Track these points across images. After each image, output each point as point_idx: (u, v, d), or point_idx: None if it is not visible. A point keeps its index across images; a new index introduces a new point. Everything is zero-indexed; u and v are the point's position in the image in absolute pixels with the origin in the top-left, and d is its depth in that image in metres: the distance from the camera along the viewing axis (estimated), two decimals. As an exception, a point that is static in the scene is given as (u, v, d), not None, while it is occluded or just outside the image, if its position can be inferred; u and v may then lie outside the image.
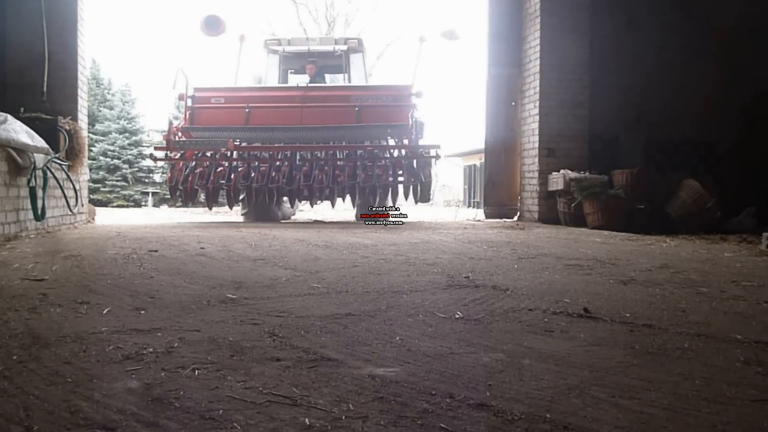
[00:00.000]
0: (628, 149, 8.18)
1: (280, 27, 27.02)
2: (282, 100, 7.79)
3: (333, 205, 8.09)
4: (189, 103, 7.51)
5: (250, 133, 7.44)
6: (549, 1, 7.85)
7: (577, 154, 7.93)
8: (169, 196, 23.42)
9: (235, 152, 7.35)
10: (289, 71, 10.07)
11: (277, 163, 7.41)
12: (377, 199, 7.42)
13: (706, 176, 8.01)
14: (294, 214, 10.22)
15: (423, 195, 7.47)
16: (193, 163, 7.35)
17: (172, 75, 7.61)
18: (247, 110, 7.38)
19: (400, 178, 7.43)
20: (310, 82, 8.45)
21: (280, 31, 25.27)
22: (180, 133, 7.24)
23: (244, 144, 7.61)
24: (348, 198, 8.26)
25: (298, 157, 7.48)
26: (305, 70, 9.53)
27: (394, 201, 7.55)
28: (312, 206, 8.19)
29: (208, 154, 7.42)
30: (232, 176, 7.23)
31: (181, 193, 7.28)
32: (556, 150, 7.91)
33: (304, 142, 7.66)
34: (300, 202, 8.06)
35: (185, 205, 7.70)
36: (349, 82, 9.32)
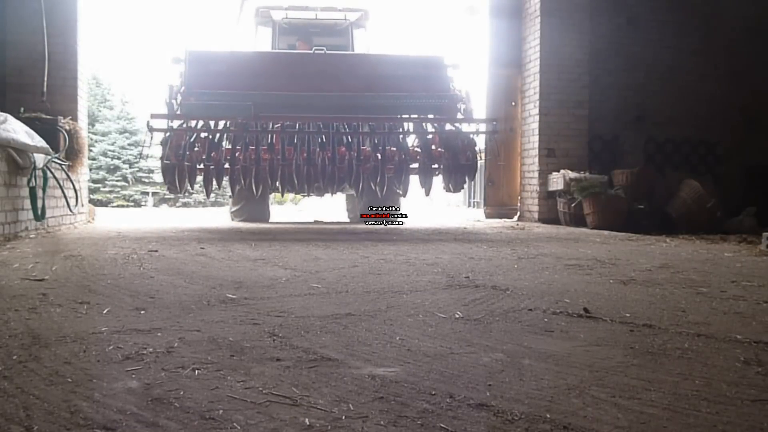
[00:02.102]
0: (628, 149, 8.19)
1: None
2: (296, 67, 6.55)
3: (357, 192, 6.58)
4: (187, 67, 6.23)
5: (265, 99, 6.02)
6: (549, 1, 7.86)
7: (577, 154, 7.93)
8: (169, 195, 23.40)
9: (248, 124, 5.98)
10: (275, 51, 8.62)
11: (300, 139, 6.16)
12: (406, 188, 6.36)
13: (706, 176, 8.02)
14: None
15: (460, 182, 6.34)
16: (194, 136, 6.08)
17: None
18: (255, 78, 6.23)
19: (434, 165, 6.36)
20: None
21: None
22: (179, 98, 6.03)
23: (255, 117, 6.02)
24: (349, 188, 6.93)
25: (325, 132, 6.11)
26: (297, 46, 8.33)
27: (428, 189, 6.42)
28: (333, 195, 6.84)
29: (211, 126, 6.24)
30: (238, 155, 5.94)
31: (176, 175, 5.87)
32: (556, 150, 7.91)
33: (329, 113, 6.25)
34: (316, 191, 6.74)
35: (180, 190, 6.11)
36: None
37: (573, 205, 7.22)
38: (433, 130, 6.52)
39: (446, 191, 6.62)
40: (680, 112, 8.37)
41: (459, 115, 6.37)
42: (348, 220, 8.99)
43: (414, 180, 6.52)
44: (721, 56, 8.43)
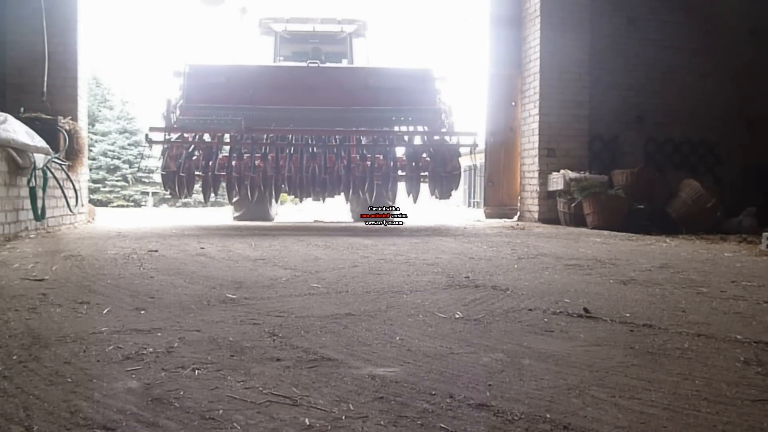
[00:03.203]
0: (628, 149, 8.18)
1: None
2: (291, 80, 6.88)
3: (347, 199, 6.92)
4: (186, 80, 6.53)
5: (261, 113, 6.38)
6: (549, 1, 7.86)
7: (577, 154, 7.93)
8: (169, 196, 23.37)
9: (242, 136, 6.21)
10: (279, 59, 9.07)
11: (291, 149, 6.46)
12: (394, 194, 6.62)
13: (706, 176, 8.02)
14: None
15: (446, 190, 6.54)
16: (191, 147, 6.37)
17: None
18: (251, 91, 6.45)
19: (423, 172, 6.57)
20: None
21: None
22: (177, 112, 6.35)
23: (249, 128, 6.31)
24: (345, 193, 7.10)
25: (316, 143, 6.43)
26: (299, 56, 8.67)
27: (415, 197, 6.63)
28: (324, 201, 7.14)
29: (207, 137, 6.47)
30: (234, 163, 6.23)
31: (175, 183, 6.16)
32: (556, 150, 7.91)
33: (321, 125, 6.59)
34: (308, 197, 6.98)
35: (180, 196, 6.48)
36: None
37: (573, 205, 7.22)
38: (419, 141, 6.74)
39: (434, 198, 6.80)
40: (680, 112, 8.37)
41: (443, 129, 6.59)
42: (351, 220, 9.00)
43: (401, 187, 6.77)
44: (721, 56, 8.42)
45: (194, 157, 6.35)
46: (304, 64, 7.84)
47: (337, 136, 6.66)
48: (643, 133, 8.31)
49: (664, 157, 8.41)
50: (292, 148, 6.52)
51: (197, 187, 6.67)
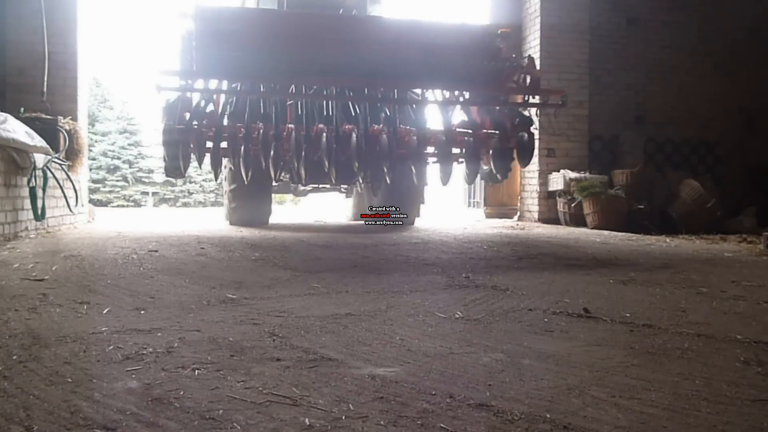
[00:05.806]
0: (628, 149, 8.19)
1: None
2: (325, 32, 5.27)
3: (390, 178, 5.33)
4: (197, 25, 4.92)
5: (296, 60, 4.85)
6: (549, 1, 7.86)
7: (577, 154, 7.93)
8: (169, 196, 23.28)
9: (274, 90, 4.92)
10: None
11: (327, 111, 5.14)
12: (448, 176, 5.23)
13: (706, 176, 8.02)
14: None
15: (507, 168, 5.33)
16: (202, 103, 5.01)
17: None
18: (277, 42, 4.94)
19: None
20: None
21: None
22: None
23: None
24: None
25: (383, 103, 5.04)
26: None
27: (473, 178, 5.52)
28: (363, 184, 5.81)
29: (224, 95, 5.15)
30: (253, 132, 4.87)
31: (179, 149, 4.83)
32: (556, 150, 7.91)
33: (374, 77, 5.00)
34: (341, 181, 5.56)
35: (183, 170, 5.07)
36: None
37: (573, 205, 7.22)
38: (494, 105, 5.40)
39: (492, 182, 5.59)
40: (680, 112, 8.38)
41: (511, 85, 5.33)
42: (347, 221, 8.98)
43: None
44: (721, 56, 8.43)
45: (205, 120, 5.00)
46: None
47: (380, 94, 5.23)
48: (643, 133, 8.31)
49: (664, 157, 8.41)
50: (339, 107, 5.19)
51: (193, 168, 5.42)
